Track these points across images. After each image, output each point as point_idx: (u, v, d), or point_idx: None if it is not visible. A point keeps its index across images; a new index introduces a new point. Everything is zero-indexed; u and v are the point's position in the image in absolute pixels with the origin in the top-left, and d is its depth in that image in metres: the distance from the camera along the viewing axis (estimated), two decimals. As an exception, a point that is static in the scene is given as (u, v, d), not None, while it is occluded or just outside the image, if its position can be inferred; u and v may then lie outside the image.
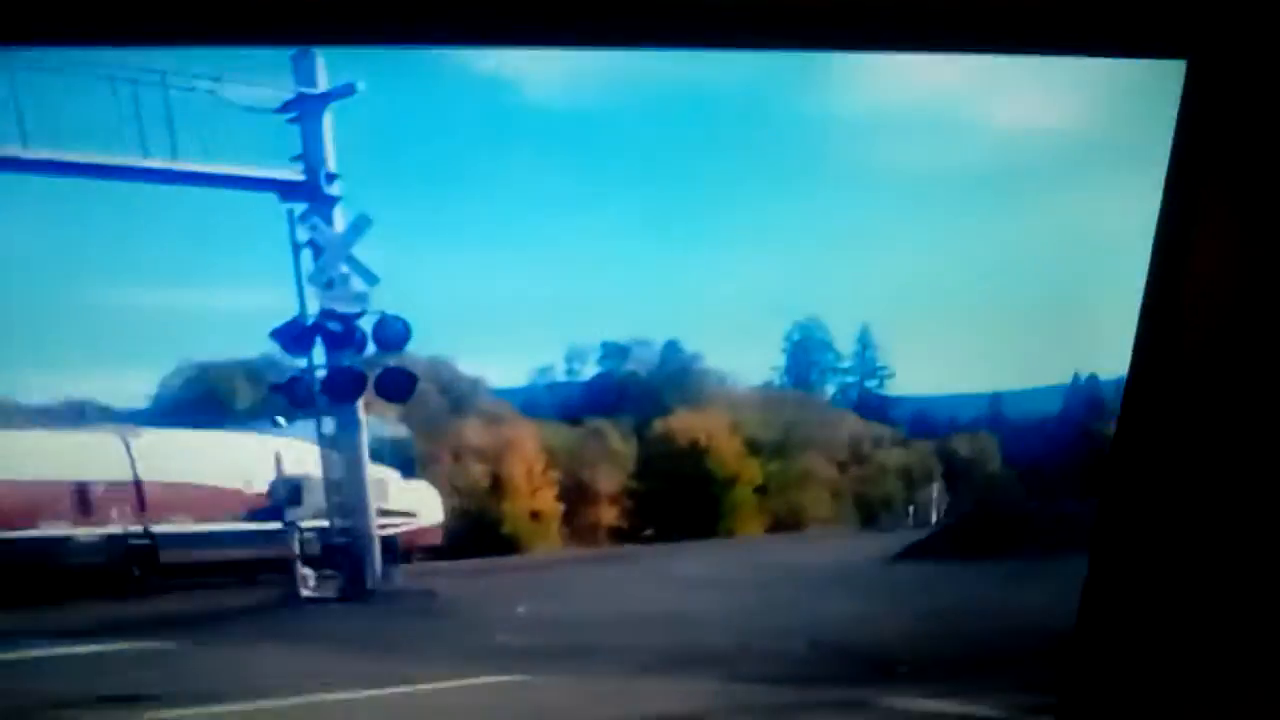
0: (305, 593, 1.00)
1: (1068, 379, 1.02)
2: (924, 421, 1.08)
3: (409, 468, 1.05)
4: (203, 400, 0.91)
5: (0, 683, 1.01)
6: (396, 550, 1.04)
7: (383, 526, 1.09)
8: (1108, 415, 1.05)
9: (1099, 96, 0.93)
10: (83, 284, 0.84)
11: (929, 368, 1.02)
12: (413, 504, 1.04)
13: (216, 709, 1.06)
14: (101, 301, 0.84)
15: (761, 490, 1.08)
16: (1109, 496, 1.07)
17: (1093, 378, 1.01)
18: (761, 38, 0.93)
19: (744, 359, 0.96)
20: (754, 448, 1.02)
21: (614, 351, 0.97)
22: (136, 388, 0.88)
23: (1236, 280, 1.31)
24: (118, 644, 1.01)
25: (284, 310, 0.88)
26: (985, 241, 0.92)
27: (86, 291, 0.84)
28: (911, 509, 1.09)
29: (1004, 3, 0.94)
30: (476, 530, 1.03)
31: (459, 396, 0.97)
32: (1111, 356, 1.04)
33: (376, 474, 1.05)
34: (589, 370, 0.97)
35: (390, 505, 1.05)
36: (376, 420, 1.03)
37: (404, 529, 1.06)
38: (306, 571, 0.99)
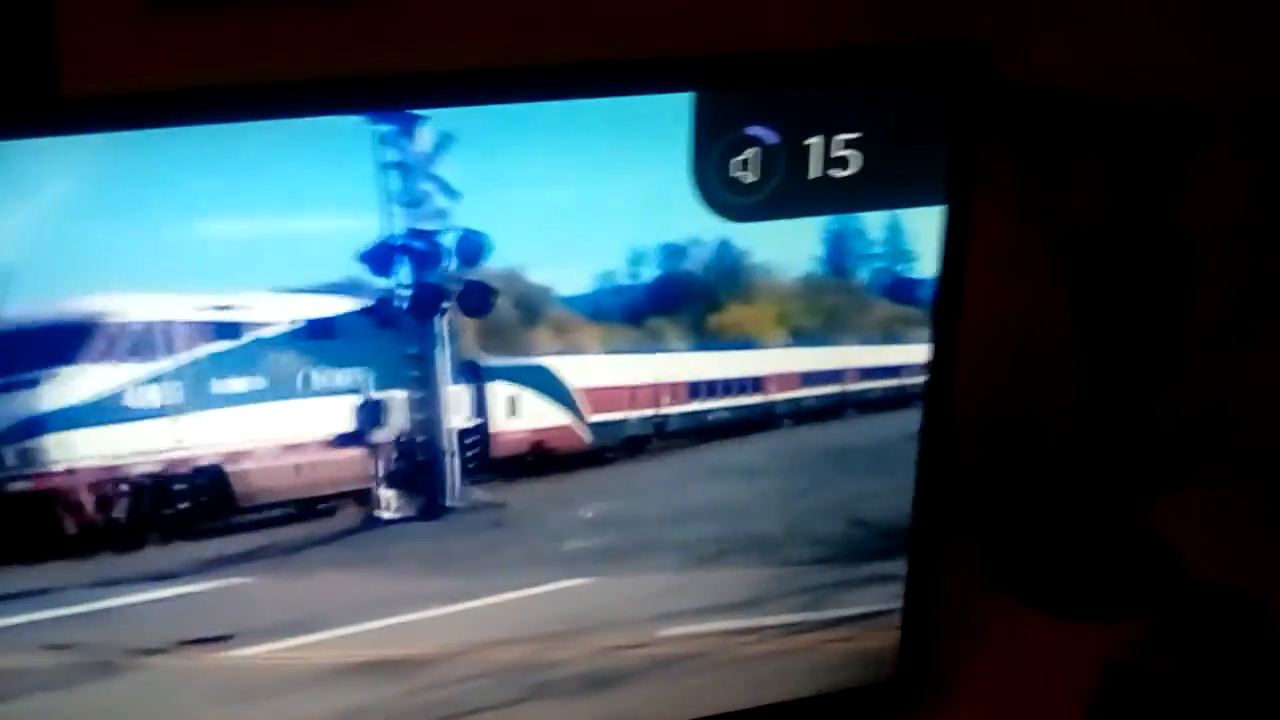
0: (385, 515, 0.97)
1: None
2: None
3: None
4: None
5: (80, 634, 0.97)
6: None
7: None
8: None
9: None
10: (162, 215, 0.78)
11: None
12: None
13: (297, 641, 1.04)
14: (185, 232, 0.79)
15: (808, 375, 1.12)
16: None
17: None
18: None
19: (786, 251, 0.97)
20: (798, 335, 1.04)
21: (673, 252, 0.96)
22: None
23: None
24: (194, 585, 0.97)
25: (364, 233, 0.85)
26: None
27: (167, 223, 0.79)
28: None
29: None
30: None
31: (530, 306, 0.95)
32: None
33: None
34: (650, 273, 0.97)
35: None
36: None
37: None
38: (387, 493, 0.96)
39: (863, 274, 1.04)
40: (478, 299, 0.93)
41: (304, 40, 1.06)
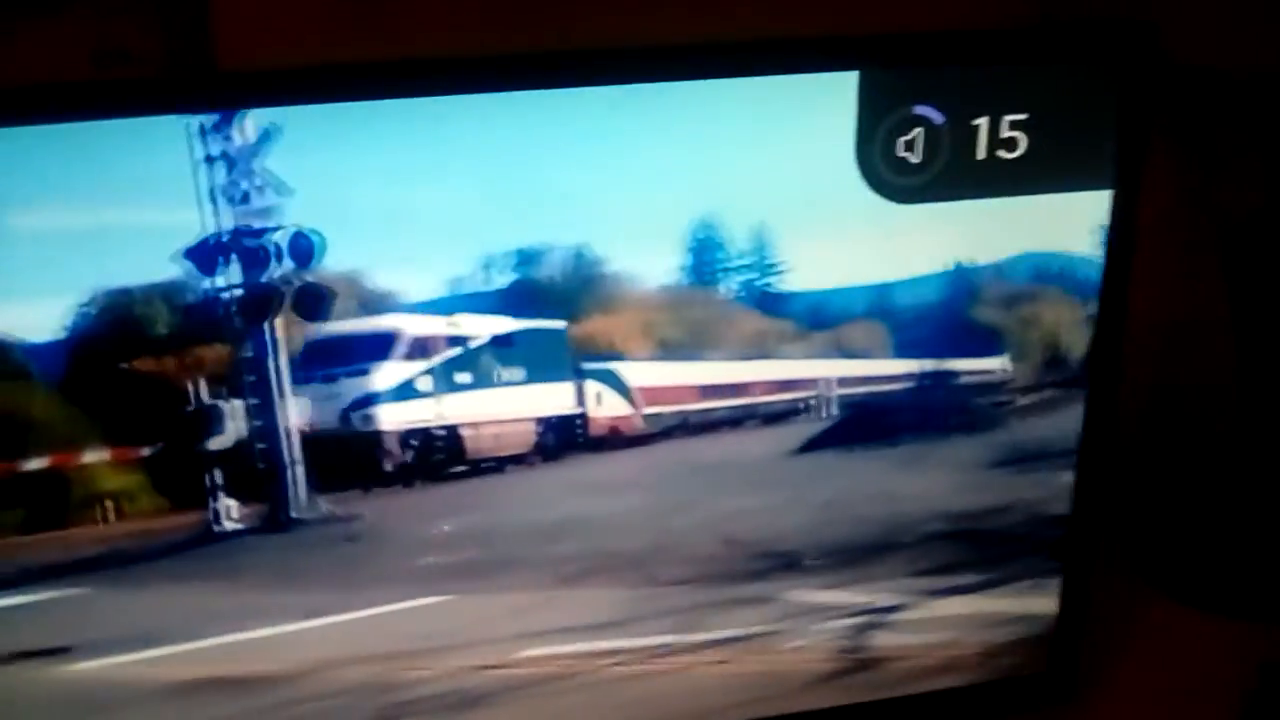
0: (226, 525, 0.95)
1: (949, 267, 1.05)
2: (819, 314, 1.09)
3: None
4: (120, 326, 0.85)
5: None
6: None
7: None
8: (985, 301, 1.10)
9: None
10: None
11: (821, 261, 1.03)
12: None
13: (139, 655, 1.01)
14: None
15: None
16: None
17: (969, 264, 1.05)
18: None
19: (649, 260, 0.95)
20: (664, 348, 1.01)
21: (528, 258, 0.94)
22: (49, 318, 0.81)
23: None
24: (30, 595, 0.95)
25: (193, 228, 0.83)
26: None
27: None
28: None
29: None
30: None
31: (374, 312, 0.93)
32: (984, 246, 1.10)
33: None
34: (504, 279, 0.94)
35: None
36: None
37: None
38: (227, 502, 0.94)
39: (728, 285, 1.02)
40: (314, 302, 0.92)
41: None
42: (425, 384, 1.02)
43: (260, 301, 0.90)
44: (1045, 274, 1.09)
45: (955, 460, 1.14)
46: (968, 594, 1.19)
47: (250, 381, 0.93)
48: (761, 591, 1.13)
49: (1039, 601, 1.21)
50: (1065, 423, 1.15)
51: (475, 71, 0.90)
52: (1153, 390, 1.41)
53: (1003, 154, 0.98)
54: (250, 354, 0.92)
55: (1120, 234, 1.04)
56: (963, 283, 1.06)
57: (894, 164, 0.97)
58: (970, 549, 1.17)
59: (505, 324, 1.02)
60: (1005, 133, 0.98)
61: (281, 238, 0.88)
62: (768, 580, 1.13)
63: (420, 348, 1.01)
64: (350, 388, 1.00)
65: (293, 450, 0.95)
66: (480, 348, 1.03)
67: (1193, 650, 1.32)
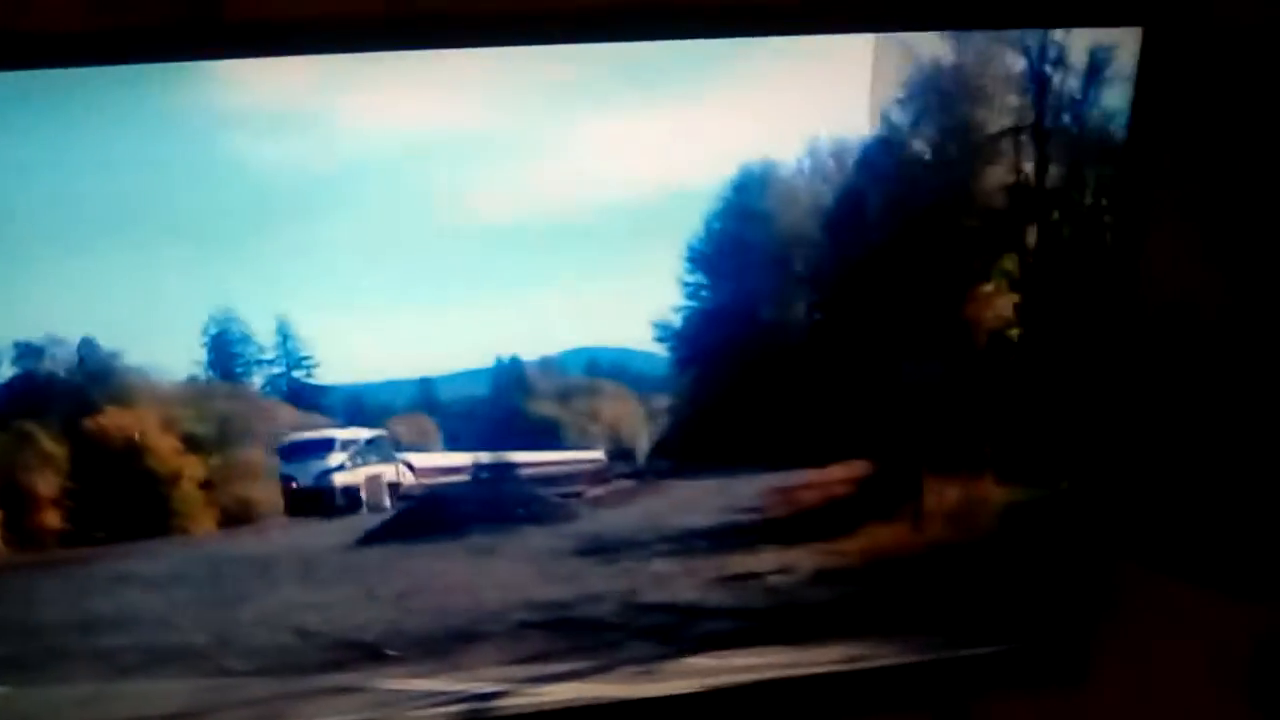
0: None
1: (491, 362, 1.07)
2: (359, 408, 1.10)
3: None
4: None
5: None
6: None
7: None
8: (536, 394, 1.10)
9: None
10: None
11: (356, 355, 1.05)
12: None
13: None
14: None
15: (207, 485, 1.09)
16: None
17: (515, 359, 1.05)
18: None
19: (164, 354, 0.97)
20: (191, 443, 1.03)
21: (28, 351, 0.98)
22: None
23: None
24: None
25: None
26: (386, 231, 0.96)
27: None
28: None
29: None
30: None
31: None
32: (532, 340, 1.11)
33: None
34: (3, 372, 0.98)
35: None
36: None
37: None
38: None
39: (255, 379, 1.04)
40: None
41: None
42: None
43: None
44: (599, 368, 1.08)
45: (532, 551, 1.14)
46: (572, 680, 1.17)
47: None
48: (348, 681, 1.13)
49: (650, 687, 1.19)
50: (641, 513, 1.15)
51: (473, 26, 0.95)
52: (1149, 371, 1.36)
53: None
54: None
55: (1132, 212, 1.06)
56: (514, 376, 1.06)
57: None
58: (567, 637, 1.16)
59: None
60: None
61: None
62: (352, 670, 1.13)
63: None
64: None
65: None
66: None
67: (1191, 626, 1.32)
